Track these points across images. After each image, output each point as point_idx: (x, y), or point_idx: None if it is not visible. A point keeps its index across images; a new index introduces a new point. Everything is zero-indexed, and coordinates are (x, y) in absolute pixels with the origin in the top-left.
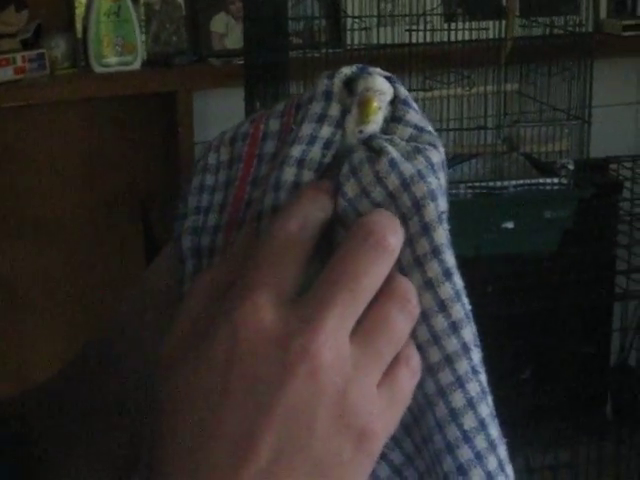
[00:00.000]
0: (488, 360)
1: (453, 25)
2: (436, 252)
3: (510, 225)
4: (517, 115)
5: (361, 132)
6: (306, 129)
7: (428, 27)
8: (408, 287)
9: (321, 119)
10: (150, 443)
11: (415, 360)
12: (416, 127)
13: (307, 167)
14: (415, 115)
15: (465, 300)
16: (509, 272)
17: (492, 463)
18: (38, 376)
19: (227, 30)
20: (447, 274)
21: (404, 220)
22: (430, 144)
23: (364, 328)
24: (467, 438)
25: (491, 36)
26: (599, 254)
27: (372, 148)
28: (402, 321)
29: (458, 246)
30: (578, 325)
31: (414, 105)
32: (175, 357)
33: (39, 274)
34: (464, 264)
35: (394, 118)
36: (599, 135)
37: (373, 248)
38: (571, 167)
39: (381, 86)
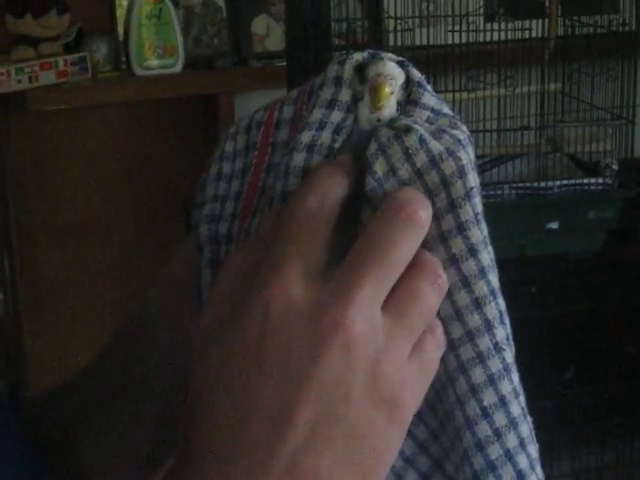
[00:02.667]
0: (531, 360)
1: (495, 25)
2: (461, 228)
3: (555, 226)
4: (560, 115)
5: (379, 120)
6: (316, 114)
7: (470, 28)
8: (437, 262)
9: (331, 104)
10: (183, 423)
11: (440, 331)
12: (433, 110)
13: (317, 152)
14: (431, 98)
15: (491, 277)
16: (554, 272)
17: (512, 441)
18: None
19: (268, 32)
20: (472, 250)
21: (430, 196)
22: (450, 125)
23: (395, 300)
24: (486, 414)
25: (534, 36)
26: None
27: (397, 128)
28: (432, 294)
29: (503, 247)
30: (622, 325)
31: (429, 88)
32: (207, 336)
33: (81, 276)
34: (509, 265)
35: (410, 101)
36: None
37: (404, 222)
38: (615, 167)
39: (392, 70)
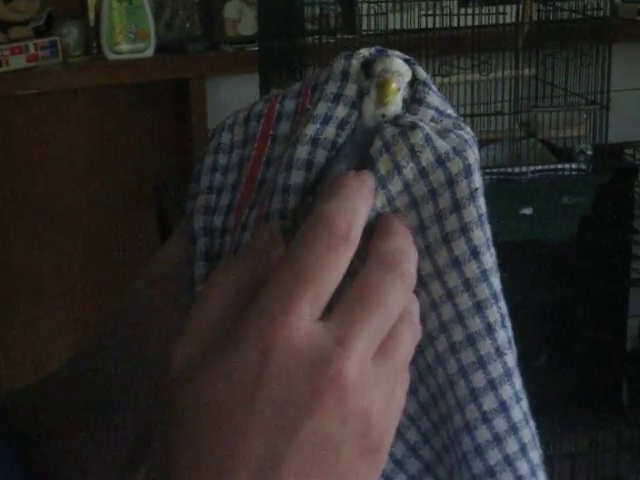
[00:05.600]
0: None
1: (469, 10)
2: (464, 230)
3: (528, 211)
4: (534, 100)
5: (384, 116)
6: (321, 108)
7: (444, 12)
8: (415, 309)
9: (337, 99)
10: (163, 456)
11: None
12: (437, 110)
13: (321, 146)
14: (436, 98)
15: (493, 280)
16: (527, 258)
17: (512, 447)
18: (54, 367)
19: (240, 16)
20: (474, 252)
21: (433, 196)
22: (455, 126)
23: (382, 348)
24: (486, 419)
25: (508, 21)
26: (616, 240)
27: (402, 125)
28: (411, 340)
29: None
30: (594, 311)
31: (434, 87)
32: (193, 364)
33: (54, 263)
34: None
35: (415, 100)
36: (617, 120)
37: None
38: (589, 152)
39: (399, 67)
